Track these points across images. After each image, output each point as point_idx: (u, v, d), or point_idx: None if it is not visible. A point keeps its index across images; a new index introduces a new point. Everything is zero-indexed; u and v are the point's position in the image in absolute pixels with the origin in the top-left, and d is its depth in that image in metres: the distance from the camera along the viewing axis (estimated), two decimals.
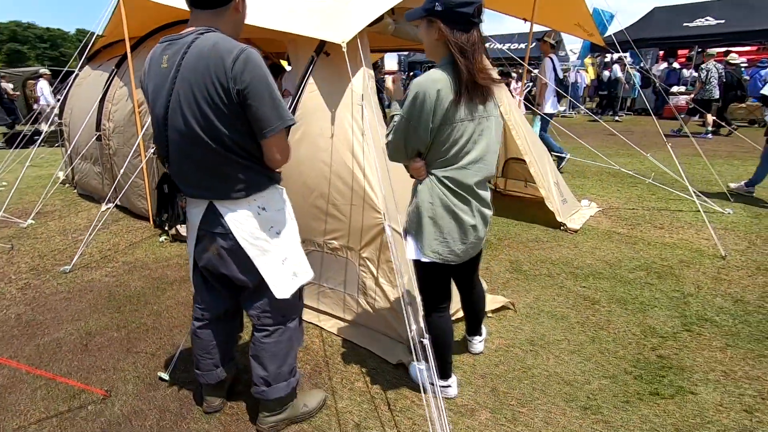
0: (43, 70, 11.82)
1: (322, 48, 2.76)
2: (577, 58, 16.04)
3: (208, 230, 1.60)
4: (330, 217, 2.63)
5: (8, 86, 12.18)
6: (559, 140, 6.75)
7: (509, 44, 19.01)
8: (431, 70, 1.61)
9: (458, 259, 1.73)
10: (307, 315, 2.71)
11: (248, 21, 2.85)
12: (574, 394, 2.01)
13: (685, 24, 14.10)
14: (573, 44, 18.11)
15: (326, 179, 2.62)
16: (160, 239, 4.03)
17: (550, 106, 6.21)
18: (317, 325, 2.63)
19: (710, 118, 8.95)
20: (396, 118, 1.67)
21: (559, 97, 6.97)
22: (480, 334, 2.29)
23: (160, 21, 4.32)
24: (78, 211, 5.04)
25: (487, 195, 1.78)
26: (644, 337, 2.42)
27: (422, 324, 1.83)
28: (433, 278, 1.82)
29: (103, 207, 4.39)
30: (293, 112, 2.73)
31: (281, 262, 1.65)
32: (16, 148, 6.00)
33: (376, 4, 2.79)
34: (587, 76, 15.08)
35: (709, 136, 9.15)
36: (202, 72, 1.38)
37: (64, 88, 6.09)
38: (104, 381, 2.21)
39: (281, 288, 1.66)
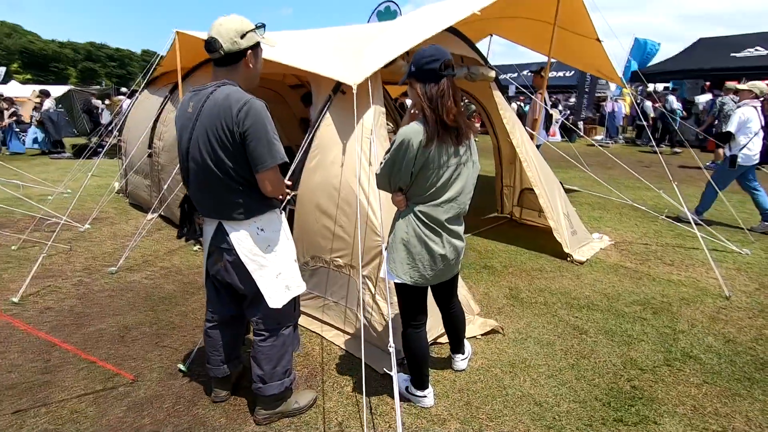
0: (123, 90, 13.21)
1: (338, 87, 3.12)
2: (616, 88, 15.84)
3: (217, 246, 1.94)
4: (337, 237, 2.94)
5: (98, 103, 13.67)
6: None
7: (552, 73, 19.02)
8: (414, 122, 1.88)
9: (427, 283, 1.98)
10: (312, 325, 3.01)
11: (278, 59, 3.29)
12: (542, 414, 2.16)
13: (732, 54, 13.69)
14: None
15: (335, 203, 2.94)
16: (194, 248, 4.48)
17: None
18: (319, 334, 2.91)
19: (720, 151, 8.83)
20: (386, 156, 1.96)
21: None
22: (462, 353, 2.49)
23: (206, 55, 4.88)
24: (128, 219, 5.64)
25: (459, 229, 2.03)
26: (623, 368, 2.53)
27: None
28: (408, 297, 2.07)
29: (149, 216, 4.92)
30: (310, 142, 3.09)
31: (275, 276, 1.97)
32: (82, 158, 6.80)
33: (388, 50, 3.14)
34: (625, 106, 14.86)
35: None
36: (216, 117, 1.74)
37: (125, 110, 6.87)
38: (134, 368, 2.58)
39: (275, 299, 1.96)
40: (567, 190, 6.71)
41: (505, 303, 3.33)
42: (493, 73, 4.26)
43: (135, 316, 3.19)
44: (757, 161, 5.10)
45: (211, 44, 1.80)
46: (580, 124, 15.32)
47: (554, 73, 18.99)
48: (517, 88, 7.35)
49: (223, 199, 1.87)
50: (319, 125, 3.10)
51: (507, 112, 4.44)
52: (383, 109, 3.17)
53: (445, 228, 1.95)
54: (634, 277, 3.81)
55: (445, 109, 1.82)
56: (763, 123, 5.08)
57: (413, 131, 1.83)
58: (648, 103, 14.34)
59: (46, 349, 2.76)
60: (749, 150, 5.01)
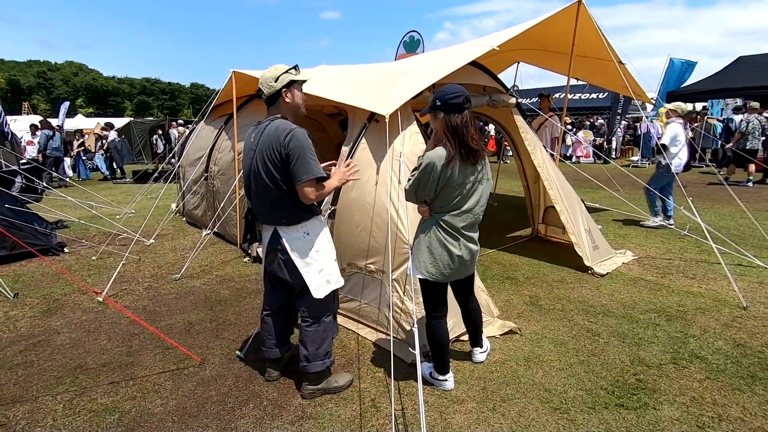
0: (180, 121, 14.60)
1: (372, 116, 3.60)
2: (652, 109, 15.72)
3: (273, 247, 2.42)
4: (370, 246, 3.36)
5: (176, 131, 15.15)
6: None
7: (580, 94, 19.14)
8: (439, 147, 2.29)
9: (446, 279, 2.35)
10: (349, 323, 3.41)
11: (322, 94, 3.83)
12: (550, 399, 2.44)
13: None
14: (650, 93, 17.76)
15: (369, 217, 3.38)
16: (244, 260, 5.02)
17: None
18: (355, 332, 3.30)
19: (752, 167, 9.55)
20: (415, 174, 2.36)
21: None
22: (481, 346, 2.81)
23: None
24: (185, 235, 6.32)
25: (474, 234, 2.39)
26: (631, 365, 2.76)
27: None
28: (430, 292, 2.44)
29: (204, 232, 5.55)
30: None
31: (318, 272, 2.40)
32: (139, 183, 7.65)
33: (415, 84, 3.61)
34: (662, 126, 14.69)
35: (750, 184, 9.61)
36: (269, 143, 2.25)
37: (183, 138, 7.71)
38: (200, 353, 3.06)
39: (318, 290, 2.40)
40: (596, 209, 6.89)
41: (524, 309, 3.61)
42: (513, 100, 4.65)
43: (197, 314, 3.71)
44: (681, 170, 6.14)
45: (258, 91, 2.37)
46: (613, 144, 15.25)
47: (587, 95, 19.06)
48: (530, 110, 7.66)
49: (276, 207, 2.34)
50: (355, 149, 3.58)
51: (528, 135, 4.79)
52: (417, 132, 3.59)
53: (462, 234, 2.33)
54: (653, 288, 3.98)
55: (469, 135, 2.23)
56: (687, 138, 6.09)
57: (437, 156, 2.24)
58: (737, 117, 14.06)
59: (128, 338, 3.30)
60: (679, 159, 6.01)
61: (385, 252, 3.26)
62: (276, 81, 2.35)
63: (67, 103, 16.41)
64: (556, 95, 20.79)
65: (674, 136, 5.90)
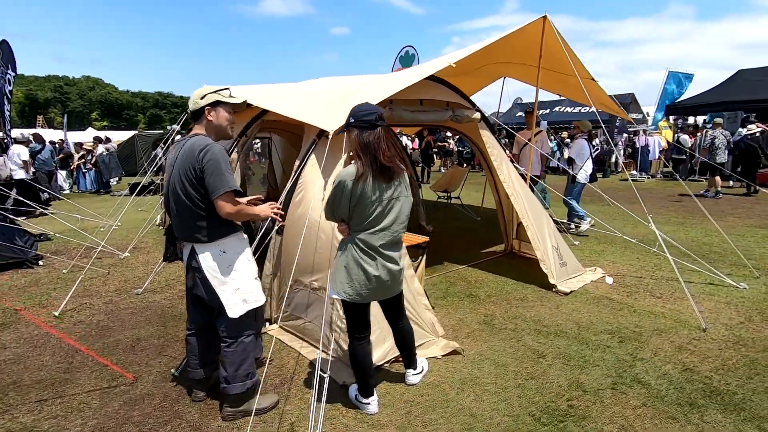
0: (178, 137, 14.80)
1: (323, 133, 3.59)
2: (652, 123, 15.56)
3: (190, 264, 2.39)
4: (315, 262, 3.32)
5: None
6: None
7: (580, 108, 19.04)
8: (351, 164, 2.27)
9: (363, 300, 2.30)
10: (294, 342, 3.36)
11: (270, 107, 3.84)
12: (473, 425, 2.35)
13: None
14: (650, 106, 17.62)
15: (315, 233, 3.34)
16: None
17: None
18: (297, 350, 3.24)
19: (718, 179, 9.86)
20: (328, 193, 2.34)
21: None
22: (414, 368, 2.74)
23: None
24: (162, 248, 6.34)
25: (394, 254, 2.34)
26: (568, 389, 2.65)
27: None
28: (350, 313, 2.39)
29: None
30: (296, 181, 3.56)
31: (234, 291, 2.37)
32: (136, 195, 7.79)
33: (368, 99, 3.60)
34: (661, 140, 14.51)
35: (719, 196, 9.83)
36: (185, 160, 2.25)
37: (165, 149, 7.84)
38: (136, 371, 3.03)
39: (233, 309, 2.36)
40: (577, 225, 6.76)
41: (476, 328, 3.52)
42: (477, 115, 4.62)
43: (148, 330, 3.69)
44: (588, 180, 6.57)
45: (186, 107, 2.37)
46: (612, 158, 15.07)
47: (586, 109, 18.95)
48: (509, 126, 7.62)
49: (193, 224, 2.33)
50: (304, 166, 3.57)
51: (494, 150, 4.75)
52: None
53: (380, 253, 2.28)
54: (614, 308, 3.87)
55: (381, 152, 2.20)
56: (591, 151, 6.72)
57: (347, 173, 2.21)
58: (685, 137, 13.95)
59: (71, 354, 3.29)
60: (585, 171, 6.60)
61: (328, 268, 3.22)
62: (202, 99, 2.39)
63: (65, 116, 16.81)
64: (557, 108, 20.79)
65: (579, 149, 6.60)
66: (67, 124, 21.38)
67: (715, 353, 3.05)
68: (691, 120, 17.02)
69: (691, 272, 4.63)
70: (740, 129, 14.02)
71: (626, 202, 9.74)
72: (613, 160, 15.02)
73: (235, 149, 5.25)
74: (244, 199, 3.02)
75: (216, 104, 2.41)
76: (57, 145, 13.80)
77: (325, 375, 2.29)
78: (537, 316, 3.73)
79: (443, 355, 3.08)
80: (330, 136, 3.25)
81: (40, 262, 5.65)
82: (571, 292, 4.22)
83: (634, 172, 14.67)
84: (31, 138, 12.29)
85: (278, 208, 2.56)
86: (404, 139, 21.08)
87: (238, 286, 2.38)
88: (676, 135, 14.68)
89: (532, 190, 6.96)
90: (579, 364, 2.93)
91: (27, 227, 6.64)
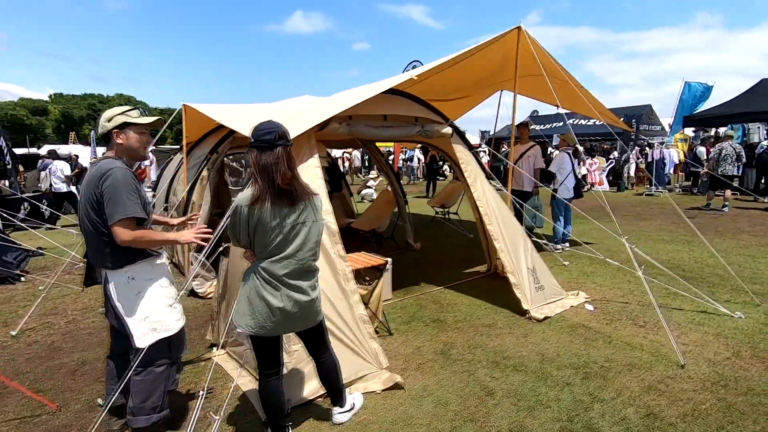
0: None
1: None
2: (669, 135, 14.91)
3: (104, 291, 2.28)
4: None
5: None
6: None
7: (595, 120, 18.51)
8: (248, 187, 2.12)
9: (268, 333, 2.12)
10: (234, 371, 3.19)
11: (225, 122, 3.76)
12: None
13: None
14: (669, 118, 16.93)
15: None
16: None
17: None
18: (235, 379, 3.07)
19: (728, 193, 9.67)
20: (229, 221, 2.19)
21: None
22: (341, 405, 2.52)
23: (209, 126, 5.59)
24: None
25: (303, 284, 2.16)
26: None
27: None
28: (257, 346, 2.21)
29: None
30: None
31: (143, 319, 2.23)
32: None
33: (319, 115, 3.48)
34: (677, 153, 13.87)
35: (726, 209, 9.61)
36: (90, 183, 2.16)
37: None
38: (66, 398, 2.92)
39: (141, 339, 2.22)
40: (574, 243, 6.41)
41: (430, 358, 3.28)
42: (448, 129, 4.42)
43: (96, 353, 3.59)
44: (572, 195, 6.29)
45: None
46: (626, 172, 14.50)
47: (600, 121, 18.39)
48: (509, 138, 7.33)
49: (100, 250, 2.22)
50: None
51: (468, 166, 4.52)
52: (317, 166, 3.45)
53: (284, 282, 2.11)
54: (588, 338, 3.55)
55: (279, 174, 2.04)
56: (574, 166, 6.38)
57: (243, 197, 2.06)
58: (702, 149, 13.31)
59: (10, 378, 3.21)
60: (566, 185, 6.29)
61: None
62: (109, 121, 2.30)
63: (93, 133, 17.45)
64: (571, 121, 20.28)
65: (560, 163, 6.31)
66: (96, 140, 22.29)
67: (688, 395, 2.71)
68: (712, 131, 16.24)
69: (683, 298, 4.24)
70: (763, 141, 13.32)
71: (636, 218, 9.33)
72: (624, 173, 14.45)
73: (206, 167, 5.22)
74: (176, 220, 2.93)
75: (124, 126, 2.32)
76: (71, 161, 14.19)
77: (216, 418, 2.10)
78: (500, 345, 3.45)
79: (383, 390, 2.85)
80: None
81: (22, 279, 5.70)
82: (545, 318, 3.91)
83: (648, 186, 14.04)
84: (72, 155, 12.91)
85: (205, 232, 2.41)
86: (417, 152, 21.10)
87: (147, 315, 2.25)
88: (693, 147, 14.02)
89: (522, 207, 6.70)
90: (529, 405, 2.65)
91: (37, 239, 6.78)
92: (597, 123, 18.23)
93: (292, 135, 3.25)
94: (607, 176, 15.40)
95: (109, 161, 2.23)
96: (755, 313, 3.91)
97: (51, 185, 10.30)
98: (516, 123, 5.44)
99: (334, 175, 7.26)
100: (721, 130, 15.58)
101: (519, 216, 6.80)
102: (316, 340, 2.40)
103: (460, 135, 4.68)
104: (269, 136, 2.06)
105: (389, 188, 7.01)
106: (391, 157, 19.27)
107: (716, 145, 10.39)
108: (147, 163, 10.44)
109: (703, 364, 3.09)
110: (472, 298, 4.55)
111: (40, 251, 7.14)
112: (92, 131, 17.79)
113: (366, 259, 3.80)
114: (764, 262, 5.60)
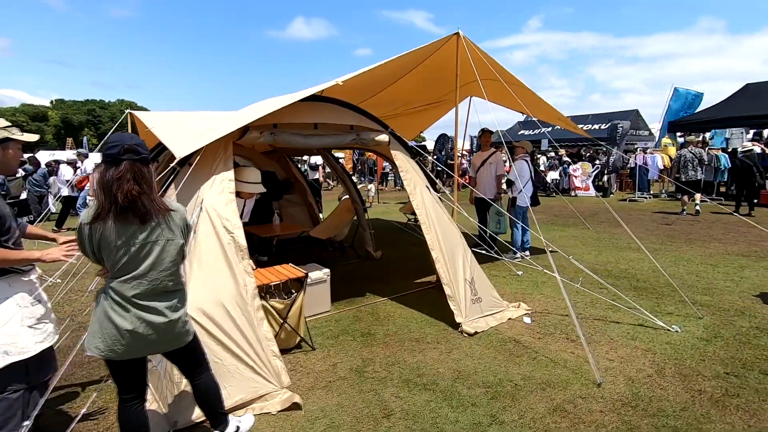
0: None
1: (186, 160, 3.37)
2: (657, 140, 14.80)
3: None
4: None
5: None
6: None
7: (582, 125, 18.43)
8: (92, 204, 2.02)
9: (118, 357, 2.00)
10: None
11: (157, 133, 3.66)
12: None
13: None
14: (657, 123, 16.82)
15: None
16: None
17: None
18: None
19: (698, 196, 9.71)
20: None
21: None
22: (222, 429, 2.40)
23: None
24: None
25: (159, 305, 2.04)
26: None
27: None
28: (112, 370, 2.10)
29: None
30: None
31: None
32: None
33: (233, 124, 3.39)
34: (663, 158, 13.73)
35: (683, 214, 9.92)
36: None
37: None
38: None
39: None
40: (539, 251, 6.28)
41: (342, 376, 3.16)
42: (384, 137, 4.33)
43: None
44: (529, 204, 6.13)
45: None
46: (608, 177, 14.37)
47: (590, 126, 18.32)
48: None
49: None
50: (163, 195, 3.35)
51: (408, 173, 4.42)
52: (230, 179, 3.36)
53: (135, 304, 2.00)
54: (514, 354, 3.42)
55: (122, 190, 1.93)
56: (532, 173, 6.33)
57: (85, 214, 1.97)
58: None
59: None
60: (525, 194, 6.14)
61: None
62: None
63: (84, 139, 17.51)
64: (559, 126, 20.22)
65: (520, 171, 6.21)
66: (88, 145, 22.39)
67: (593, 416, 2.58)
68: (701, 136, 16.11)
69: (625, 311, 4.11)
70: (739, 147, 13.19)
71: (610, 224, 9.18)
72: (605, 179, 14.32)
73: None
74: (62, 237, 2.81)
75: (5, 141, 2.25)
76: (51, 167, 14.18)
77: None
78: (420, 362, 3.33)
79: (280, 411, 2.74)
80: (173, 164, 3.07)
81: None
82: (477, 332, 3.79)
83: (638, 192, 13.90)
84: (77, 160, 13.04)
85: (72, 248, 2.32)
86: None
87: None
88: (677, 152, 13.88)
89: (485, 212, 6.58)
90: (423, 428, 2.53)
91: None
92: (584, 128, 18.19)
93: (199, 145, 3.20)
94: (593, 181, 15.27)
95: None
96: (694, 327, 3.78)
97: (59, 190, 10.81)
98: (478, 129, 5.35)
99: (278, 186, 7.25)
100: (708, 134, 15.48)
101: (483, 223, 6.73)
102: (188, 361, 2.29)
103: (401, 142, 4.58)
104: (114, 150, 1.96)
105: (347, 195, 6.92)
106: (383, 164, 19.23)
107: (677, 152, 10.65)
108: (90, 170, 10.66)
109: (621, 382, 2.96)
110: (411, 311, 4.43)
111: None
112: (85, 138, 17.88)
113: (286, 271, 3.69)
114: (723, 272, 5.46)
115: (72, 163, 12.38)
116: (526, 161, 6.32)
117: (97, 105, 78.29)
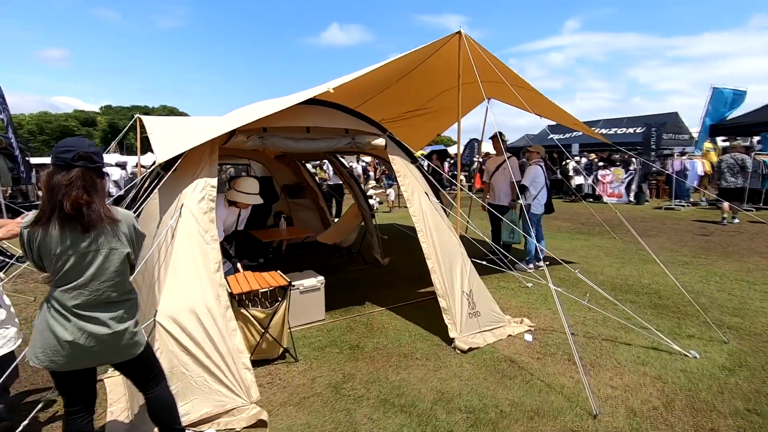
0: None
1: (170, 165, 3.33)
2: (696, 144, 13.84)
3: None
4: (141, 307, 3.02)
5: None
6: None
7: (616, 129, 17.58)
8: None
9: (59, 368, 1.93)
10: (124, 397, 3.03)
11: (153, 138, 3.66)
12: None
13: None
14: (697, 127, 15.77)
15: (141, 273, 3.06)
16: None
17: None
18: (106, 408, 2.92)
19: (725, 205, 9.35)
20: None
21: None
22: None
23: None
24: None
25: (102, 315, 1.95)
26: None
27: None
28: (56, 381, 2.03)
29: None
30: (139, 215, 3.31)
31: None
32: None
33: (220, 128, 3.34)
34: (704, 164, 12.82)
35: (724, 223, 9.34)
36: None
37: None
38: None
39: None
40: (555, 263, 5.91)
41: (318, 392, 3.00)
42: (381, 141, 4.17)
43: None
44: (543, 211, 5.98)
45: None
46: (640, 184, 13.58)
47: (624, 130, 17.45)
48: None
49: None
50: (146, 199, 3.32)
51: (406, 179, 4.23)
52: (213, 186, 3.30)
53: (75, 314, 1.92)
54: (507, 375, 3.16)
55: (69, 197, 1.86)
56: (547, 179, 6.00)
57: (27, 221, 1.90)
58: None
59: None
60: (539, 200, 5.90)
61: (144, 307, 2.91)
62: None
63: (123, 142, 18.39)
64: (592, 129, 19.37)
65: (534, 177, 5.91)
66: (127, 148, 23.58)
67: None
68: (747, 142, 14.98)
69: (640, 332, 3.75)
70: None
71: (641, 234, 8.59)
72: (633, 186, 13.55)
73: None
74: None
75: None
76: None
77: None
78: (403, 380, 3.13)
79: (246, 427, 2.61)
80: (155, 168, 3.03)
81: None
82: (471, 349, 3.55)
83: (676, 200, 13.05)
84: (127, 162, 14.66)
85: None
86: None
87: None
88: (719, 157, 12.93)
89: (500, 220, 6.28)
90: None
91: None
92: (618, 132, 17.34)
93: (177, 152, 3.15)
94: (626, 188, 14.49)
95: None
96: (716, 353, 3.39)
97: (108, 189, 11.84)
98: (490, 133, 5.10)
99: (273, 192, 7.32)
100: (756, 138, 14.37)
101: (497, 230, 6.43)
102: (140, 374, 2.20)
103: (400, 146, 4.40)
104: (67, 155, 1.90)
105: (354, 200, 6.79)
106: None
107: (719, 157, 10.11)
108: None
109: (621, 415, 2.65)
110: (407, 322, 4.23)
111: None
112: (122, 141, 18.81)
113: (271, 279, 3.58)
114: (761, 291, 4.94)
115: (122, 165, 13.35)
116: (541, 166, 5.99)
117: (141, 111, 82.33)
